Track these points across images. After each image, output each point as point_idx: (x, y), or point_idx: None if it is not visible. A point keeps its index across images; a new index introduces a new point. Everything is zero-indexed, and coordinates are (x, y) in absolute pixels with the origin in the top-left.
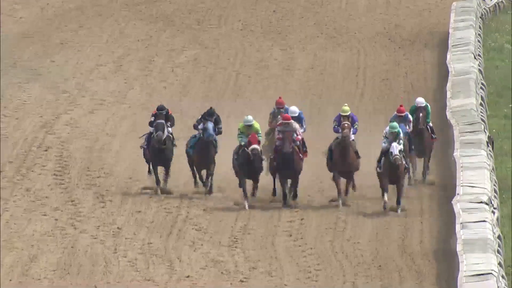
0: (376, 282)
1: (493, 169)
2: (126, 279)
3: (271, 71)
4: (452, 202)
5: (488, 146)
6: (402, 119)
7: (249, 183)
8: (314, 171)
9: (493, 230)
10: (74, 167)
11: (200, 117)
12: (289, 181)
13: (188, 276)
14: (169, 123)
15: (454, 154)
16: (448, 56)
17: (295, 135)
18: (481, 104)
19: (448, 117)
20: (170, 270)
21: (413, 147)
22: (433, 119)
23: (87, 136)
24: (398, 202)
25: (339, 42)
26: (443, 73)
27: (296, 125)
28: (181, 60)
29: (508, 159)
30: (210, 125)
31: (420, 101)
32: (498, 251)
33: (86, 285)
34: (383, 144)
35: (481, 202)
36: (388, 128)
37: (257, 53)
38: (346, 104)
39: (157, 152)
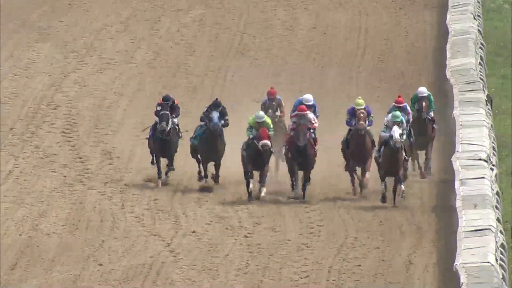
0: (377, 237)
1: (491, 127)
2: (133, 234)
3: (275, 31)
4: (452, 159)
5: (487, 104)
6: (401, 111)
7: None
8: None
9: (491, 187)
10: (82, 124)
11: (206, 109)
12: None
13: (193, 231)
14: (174, 114)
15: (454, 112)
16: (447, 17)
17: (311, 123)
18: (480, 64)
19: (447, 76)
20: (176, 225)
21: (412, 139)
22: (433, 78)
23: (95, 94)
24: (394, 192)
25: (341, 2)
26: (443, 33)
27: (311, 115)
28: (187, 20)
29: (506, 117)
30: (215, 114)
31: (422, 90)
32: (496, 207)
33: (94, 240)
34: (383, 133)
35: (480, 159)
36: (389, 116)
37: (261, 13)
38: (360, 97)
39: (161, 144)
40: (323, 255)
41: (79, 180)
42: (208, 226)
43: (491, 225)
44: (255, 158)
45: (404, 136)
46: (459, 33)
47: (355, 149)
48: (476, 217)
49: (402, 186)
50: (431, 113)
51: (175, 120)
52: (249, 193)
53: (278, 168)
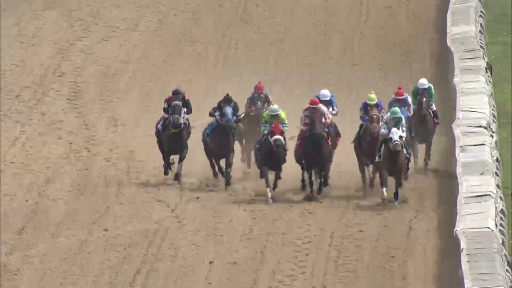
0: (377, 200)
1: (491, 94)
2: (138, 200)
3: None
4: (452, 126)
5: (487, 72)
6: (401, 103)
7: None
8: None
9: (491, 153)
10: (88, 92)
11: (216, 104)
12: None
13: (197, 198)
14: (185, 109)
15: (454, 80)
16: None
17: (323, 119)
18: (480, 32)
19: (448, 44)
20: (180, 192)
21: (413, 134)
22: (434, 46)
23: (100, 62)
24: (396, 195)
25: None
26: (444, 1)
27: (324, 108)
28: None
29: (506, 85)
30: (229, 109)
31: (423, 82)
32: (496, 173)
33: (99, 206)
34: (383, 130)
35: (480, 126)
36: (388, 113)
37: None
38: (372, 92)
39: (172, 138)
40: (325, 221)
41: (84, 146)
42: (212, 193)
43: (491, 191)
44: (269, 157)
45: (404, 134)
46: (460, 1)
47: (368, 148)
48: (476, 183)
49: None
50: (433, 106)
51: (186, 115)
52: (268, 185)
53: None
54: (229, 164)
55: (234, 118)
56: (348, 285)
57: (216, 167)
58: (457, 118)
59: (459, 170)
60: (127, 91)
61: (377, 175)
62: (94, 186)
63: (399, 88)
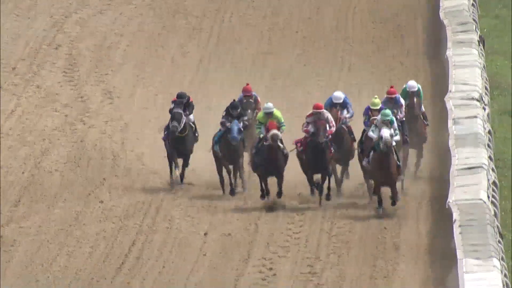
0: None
1: (484, 67)
2: (133, 172)
3: None
4: (445, 99)
5: (479, 45)
6: (393, 103)
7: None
8: None
9: (483, 126)
10: (83, 64)
11: (224, 112)
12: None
13: (192, 170)
14: (188, 111)
15: (447, 53)
16: None
17: (328, 127)
18: (472, 5)
19: (441, 17)
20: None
21: (406, 134)
22: (427, 19)
23: (96, 35)
24: (393, 203)
25: None
26: None
27: (328, 114)
28: None
29: (498, 57)
30: (235, 126)
31: (412, 84)
32: (488, 146)
33: (95, 177)
34: (371, 134)
35: (473, 99)
36: (379, 116)
37: None
38: (376, 96)
39: (176, 142)
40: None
41: (80, 119)
42: (206, 166)
43: (483, 163)
44: (268, 162)
45: (398, 137)
46: None
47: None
48: (468, 155)
49: (398, 198)
50: (422, 108)
51: (191, 117)
52: (268, 208)
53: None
54: (240, 174)
55: (241, 124)
56: (341, 256)
57: (228, 177)
58: (450, 91)
59: (451, 142)
60: (122, 64)
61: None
62: (89, 158)
63: (391, 87)
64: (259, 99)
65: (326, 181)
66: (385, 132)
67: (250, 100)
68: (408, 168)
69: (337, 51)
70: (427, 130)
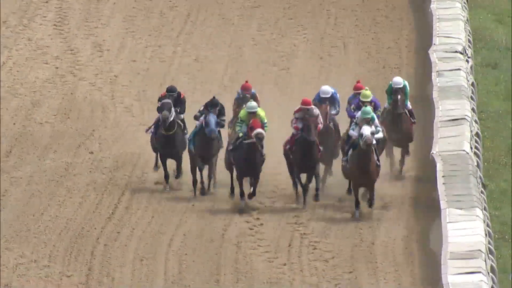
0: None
1: (467, 20)
2: (123, 124)
3: None
4: (429, 51)
5: None
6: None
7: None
8: None
9: (467, 78)
10: (73, 17)
11: (202, 107)
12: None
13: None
14: (178, 108)
15: (431, 6)
16: None
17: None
18: None
19: None
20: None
21: (384, 135)
22: None
23: None
24: (371, 205)
25: None
26: None
27: (317, 110)
28: None
29: (482, 11)
30: (212, 119)
31: (398, 81)
32: (471, 98)
33: (85, 129)
34: (351, 132)
35: (456, 52)
36: (359, 113)
37: None
38: (367, 88)
39: (165, 141)
40: None
41: (70, 71)
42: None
43: (467, 115)
44: (245, 161)
45: (379, 135)
46: None
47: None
48: (452, 107)
49: (373, 202)
50: (408, 105)
51: (181, 116)
52: (241, 210)
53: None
54: (212, 172)
55: (218, 125)
56: (327, 207)
57: (199, 177)
58: (434, 44)
59: (435, 94)
60: (112, 17)
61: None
62: (79, 110)
63: (358, 82)
64: (258, 96)
65: (313, 181)
66: (366, 130)
67: (247, 95)
68: (392, 166)
69: (323, 5)
70: (414, 128)
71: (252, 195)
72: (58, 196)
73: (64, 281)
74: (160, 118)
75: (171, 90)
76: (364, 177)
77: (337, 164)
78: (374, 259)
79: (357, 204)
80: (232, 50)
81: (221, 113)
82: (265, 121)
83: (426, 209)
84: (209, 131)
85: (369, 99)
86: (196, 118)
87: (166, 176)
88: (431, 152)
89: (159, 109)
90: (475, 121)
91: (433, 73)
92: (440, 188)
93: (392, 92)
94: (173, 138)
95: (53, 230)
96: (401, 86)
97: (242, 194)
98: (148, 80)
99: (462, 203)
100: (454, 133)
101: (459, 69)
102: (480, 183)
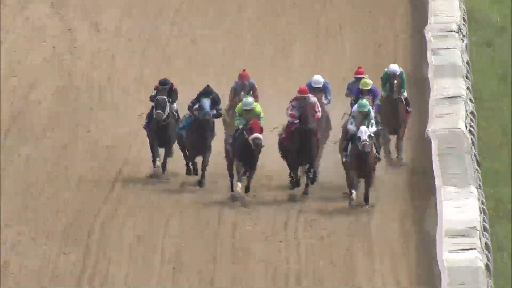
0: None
1: None
2: (120, 104)
3: None
4: (424, 30)
5: None
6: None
7: None
8: None
9: (462, 57)
10: None
11: (195, 97)
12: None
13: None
14: (171, 99)
15: None
16: None
17: (314, 111)
18: None
19: None
20: None
21: (380, 127)
22: None
23: None
24: (366, 200)
25: None
26: None
27: (314, 99)
28: None
29: None
30: (207, 102)
31: (394, 68)
32: (466, 76)
33: (82, 109)
34: (350, 126)
35: (451, 30)
36: (355, 106)
37: None
38: (366, 76)
39: (157, 131)
40: None
41: (68, 50)
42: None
43: (462, 93)
44: (244, 154)
45: (374, 128)
46: None
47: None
48: (447, 86)
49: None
50: (405, 93)
51: (174, 106)
52: (234, 197)
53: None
54: (205, 165)
55: (213, 112)
56: (323, 186)
57: (191, 165)
58: (429, 23)
59: (430, 73)
60: None
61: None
62: (77, 89)
63: (360, 68)
64: (255, 86)
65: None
66: (363, 134)
67: (245, 83)
68: (390, 154)
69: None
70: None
71: (247, 190)
72: (55, 175)
73: (61, 259)
74: (155, 117)
75: (164, 83)
76: (363, 169)
77: (328, 154)
78: (370, 238)
79: (353, 187)
80: (230, 31)
81: (215, 102)
82: (262, 114)
83: (421, 187)
84: (203, 113)
85: (369, 87)
86: (189, 108)
87: (154, 161)
88: (426, 130)
89: (153, 99)
90: (470, 100)
91: (428, 52)
92: (435, 166)
93: (388, 78)
94: (167, 128)
95: (51, 208)
96: (397, 73)
97: (233, 185)
98: (145, 60)
99: (457, 181)
100: (449, 112)
101: (454, 47)
102: (475, 161)
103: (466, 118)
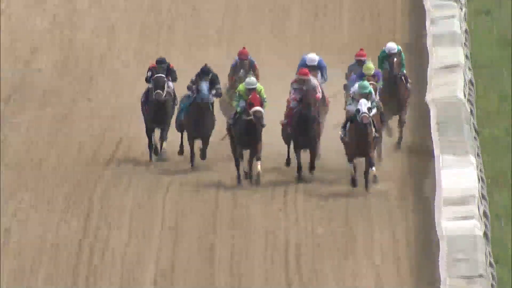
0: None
1: None
2: (120, 72)
3: None
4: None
5: None
6: (362, 66)
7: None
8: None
9: (460, 25)
10: None
11: (194, 76)
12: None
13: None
14: (169, 77)
15: None
16: None
17: (314, 92)
18: None
19: None
20: None
21: (381, 108)
22: None
23: None
24: (366, 181)
25: None
26: None
27: (315, 81)
28: None
29: None
30: (205, 85)
31: (392, 46)
32: (465, 45)
33: (83, 78)
34: (349, 107)
35: None
36: (356, 87)
37: None
38: (370, 61)
39: (155, 110)
40: None
41: (69, 19)
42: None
43: (460, 62)
44: (245, 135)
45: (374, 110)
46: None
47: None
48: (445, 54)
49: (373, 168)
50: (404, 71)
51: (171, 85)
52: (239, 177)
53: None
54: (205, 143)
55: (213, 92)
56: (320, 163)
57: (190, 149)
58: None
59: (429, 42)
60: None
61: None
62: (77, 58)
63: (361, 49)
64: (256, 64)
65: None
66: (363, 106)
67: (245, 62)
68: (391, 133)
69: None
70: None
71: (256, 162)
72: (56, 143)
73: (62, 226)
74: (154, 98)
75: (161, 61)
76: (362, 148)
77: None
78: (369, 205)
79: (353, 181)
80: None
81: (214, 81)
82: (265, 96)
83: (420, 156)
84: (201, 97)
85: (372, 72)
86: (189, 88)
87: (150, 145)
88: (425, 99)
89: (149, 80)
90: (469, 68)
91: (427, 21)
92: (434, 134)
93: (387, 56)
94: (164, 108)
95: (52, 176)
96: (395, 51)
97: (241, 157)
98: (145, 29)
99: (456, 149)
100: (447, 80)
101: (453, 16)
102: (473, 130)
103: (464, 86)
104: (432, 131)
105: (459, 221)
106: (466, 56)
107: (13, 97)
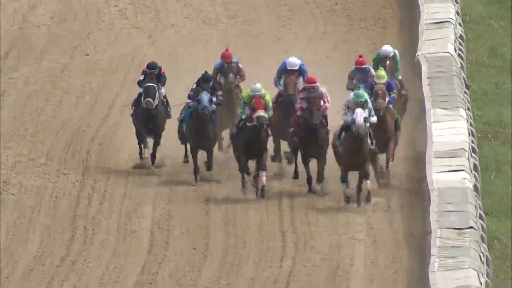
0: (341, 28)
1: None
2: (117, 26)
3: None
4: None
5: None
6: (363, 73)
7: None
8: None
9: None
10: None
11: (194, 84)
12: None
13: (173, 24)
14: (160, 84)
15: None
16: None
17: (322, 102)
18: None
19: None
20: (157, 19)
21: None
22: None
23: None
24: (358, 193)
25: None
26: None
27: (322, 89)
28: None
29: None
30: (205, 95)
31: (387, 49)
32: (455, 1)
33: (80, 31)
34: (344, 117)
35: None
36: (352, 96)
37: None
38: (382, 68)
39: (146, 119)
40: None
41: None
42: (186, 20)
43: (451, 18)
44: (250, 144)
45: (374, 119)
46: None
47: (374, 132)
48: (436, 10)
49: (369, 183)
50: (399, 76)
51: (163, 91)
52: (245, 186)
53: (227, 149)
54: (209, 154)
55: (214, 100)
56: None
57: (193, 162)
58: None
59: None
60: None
61: (390, 164)
62: (75, 12)
63: (360, 56)
64: (240, 66)
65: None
66: (359, 116)
67: (232, 65)
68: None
69: None
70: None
71: (261, 173)
72: (54, 97)
73: (60, 178)
74: (144, 106)
75: (152, 66)
76: (357, 160)
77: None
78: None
79: (345, 180)
80: None
81: (214, 88)
82: (270, 104)
83: (411, 110)
84: (201, 108)
85: (384, 79)
86: (190, 97)
87: (141, 152)
88: (417, 54)
89: (141, 85)
90: (459, 24)
91: None
92: (425, 89)
93: (381, 59)
94: (156, 117)
95: (50, 129)
96: (391, 55)
97: (247, 171)
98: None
99: (446, 103)
100: (438, 36)
101: None
102: (464, 84)
103: (455, 42)
104: (423, 86)
105: (450, 174)
106: (457, 12)
107: (11, 51)
